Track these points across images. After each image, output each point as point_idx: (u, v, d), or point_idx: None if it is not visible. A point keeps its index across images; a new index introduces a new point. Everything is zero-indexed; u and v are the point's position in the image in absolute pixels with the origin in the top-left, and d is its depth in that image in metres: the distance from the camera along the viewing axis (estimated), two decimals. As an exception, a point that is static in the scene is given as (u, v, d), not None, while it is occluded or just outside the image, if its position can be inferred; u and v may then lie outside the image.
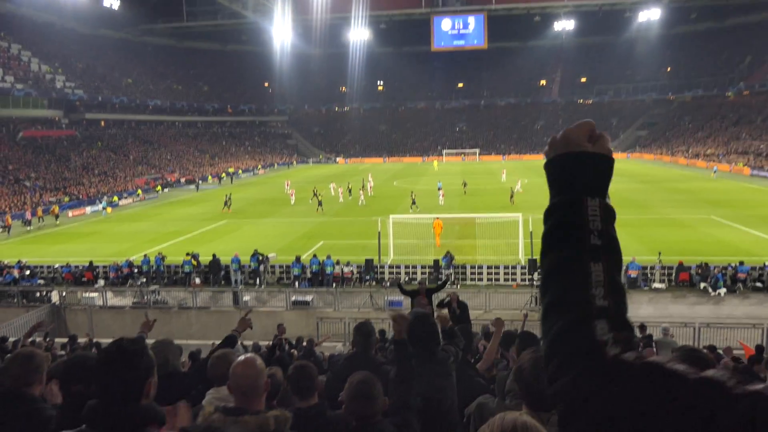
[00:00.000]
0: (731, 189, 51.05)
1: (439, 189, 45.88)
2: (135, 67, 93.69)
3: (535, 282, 22.14)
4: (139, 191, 58.74)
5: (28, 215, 41.70)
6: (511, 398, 3.46)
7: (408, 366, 3.44)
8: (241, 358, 3.12)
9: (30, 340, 9.82)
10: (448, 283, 19.92)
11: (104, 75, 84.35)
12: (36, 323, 9.60)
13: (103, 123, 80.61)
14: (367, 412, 2.98)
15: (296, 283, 24.14)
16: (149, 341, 5.87)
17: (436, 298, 19.85)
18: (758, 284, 22.25)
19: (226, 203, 45.14)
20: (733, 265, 22.54)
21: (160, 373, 4.08)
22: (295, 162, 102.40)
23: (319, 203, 42.33)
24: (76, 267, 26.52)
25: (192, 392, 4.19)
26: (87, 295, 22.94)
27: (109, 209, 48.25)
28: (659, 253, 23.96)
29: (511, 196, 41.69)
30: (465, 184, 50.78)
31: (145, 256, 26.79)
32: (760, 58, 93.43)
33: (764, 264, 22.91)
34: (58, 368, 3.46)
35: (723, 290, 21.66)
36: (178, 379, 4.18)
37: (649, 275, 23.31)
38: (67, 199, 52.50)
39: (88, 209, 49.18)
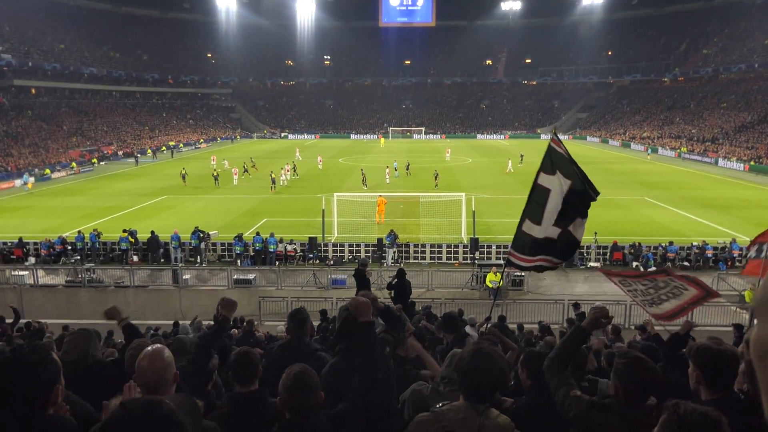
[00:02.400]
0: (664, 171, 53.19)
1: (395, 169, 45.85)
2: (68, 32, 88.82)
3: (476, 261, 22.54)
4: (74, 164, 56.27)
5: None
6: (446, 385, 3.50)
7: (354, 355, 3.41)
8: (148, 350, 2.90)
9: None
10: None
11: (34, 39, 79.68)
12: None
13: (33, 90, 76.44)
14: (303, 405, 2.94)
15: (238, 261, 23.79)
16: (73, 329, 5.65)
17: (380, 277, 20.01)
18: (686, 263, 23.47)
19: (183, 177, 44.60)
20: (663, 245, 23.63)
21: (81, 366, 3.95)
22: (238, 136, 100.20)
23: (273, 181, 41.17)
24: (5, 243, 25.25)
25: (118, 382, 4.03)
26: (16, 273, 21.90)
27: (30, 184, 45.27)
28: (595, 233, 24.80)
29: (435, 177, 41.31)
30: (408, 166, 49.63)
31: (79, 232, 25.74)
32: (694, 45, 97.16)
33: (692, 244, 24.15)
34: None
35: (653, 269, 22.66)
36: (100, 369, 4.02)
37: (585, 254, 24.12)
38: (-6, 170, 49.89)
39: (17, 182, 46.69)
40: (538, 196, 7.13)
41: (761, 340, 0.90)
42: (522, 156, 56.80)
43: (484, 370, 2.66)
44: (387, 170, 45.10)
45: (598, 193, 6.72)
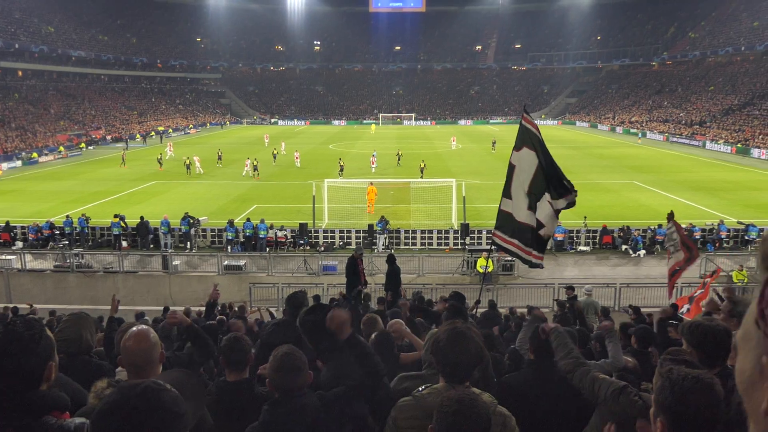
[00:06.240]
0: (652, 155, 53.44)
1: (374, 157, 43.33)
2: (56, 14, 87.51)
3: (466, 247, 22.61)
4: (61, 148, 55.76)
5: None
6: (427, 368, 3.53)
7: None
8: (133, 330, 2.89)
9: None
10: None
11: (21, 20, 78.48)
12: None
13: (20, 73, 75.42)
14: (291, 385, 2.96)
15: (229, 248, 23.72)
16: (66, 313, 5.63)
17: (370, 263, 20.04)
18: (673, 247, 23.63)
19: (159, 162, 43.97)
20: (652, 228, 23.78)
21: (73, 350, 3.92)
22: (228, 122, 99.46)
23: (255, 168, 39.89)
24: (-9, 228, 25.03)
25: (108, 368, 4.01)
26: (3, 257, 21.70)
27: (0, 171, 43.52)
28: (585, 218, 24.93)
29: (422, 170, 37.96)
30: (399, 156, 46.48)
31: (67, 217, 25.53)
32: (682, 29, 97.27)
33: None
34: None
35: (642, 252, 22.87)
36: (93, 355, 4.00)
37: (575, 238, 24.25)
38: (-20, 155, 49.32)
39: (5, 165, 46.19)
40: (508, 174, 7.46)
41: (743, 371, 0.93)
42: (494, 142, 55.86)
43: (462, 350, 2.65)
44: (372, 158, 43.15)
45: (571, 189, 6.90)
